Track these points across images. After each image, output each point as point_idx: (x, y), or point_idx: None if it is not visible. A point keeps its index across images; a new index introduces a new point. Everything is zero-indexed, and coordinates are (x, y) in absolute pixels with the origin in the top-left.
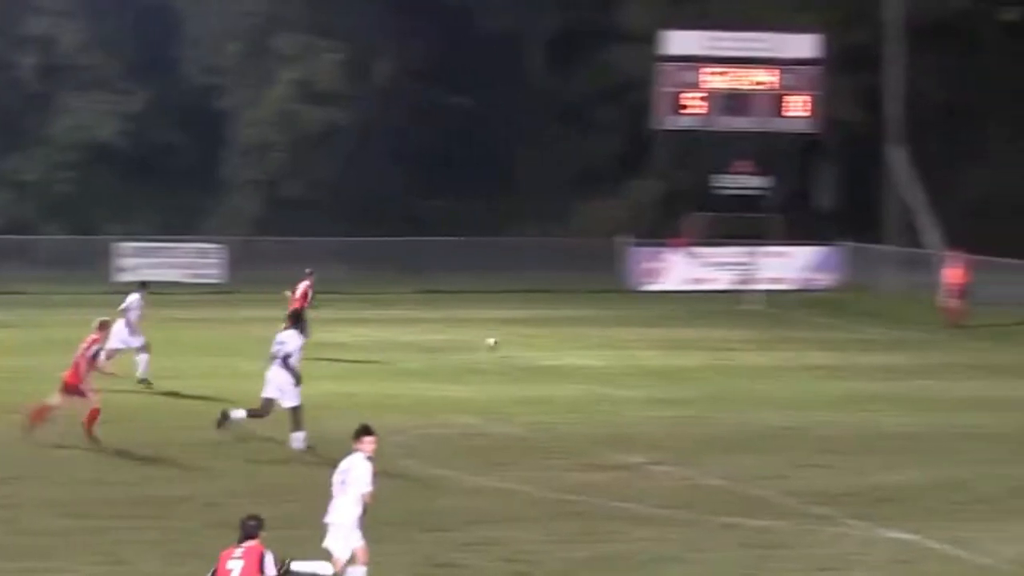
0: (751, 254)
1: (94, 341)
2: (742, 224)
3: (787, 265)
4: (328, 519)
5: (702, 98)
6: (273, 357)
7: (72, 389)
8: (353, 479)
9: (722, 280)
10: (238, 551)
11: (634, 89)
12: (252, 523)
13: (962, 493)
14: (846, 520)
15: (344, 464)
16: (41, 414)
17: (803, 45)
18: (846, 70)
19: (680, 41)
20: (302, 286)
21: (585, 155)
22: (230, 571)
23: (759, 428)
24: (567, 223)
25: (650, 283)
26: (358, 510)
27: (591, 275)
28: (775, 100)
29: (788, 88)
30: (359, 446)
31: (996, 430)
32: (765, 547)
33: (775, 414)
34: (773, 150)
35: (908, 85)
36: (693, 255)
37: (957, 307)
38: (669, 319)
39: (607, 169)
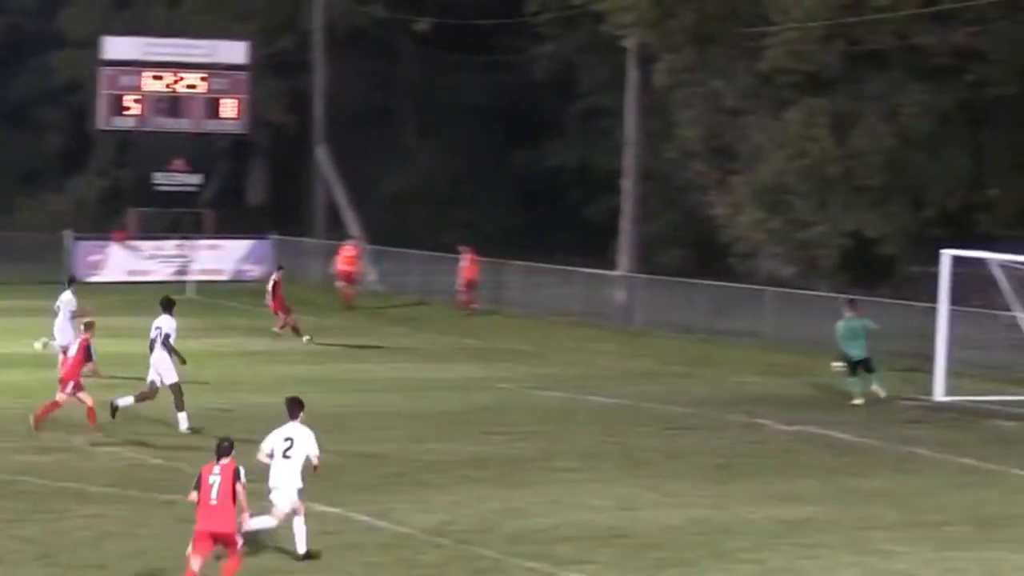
0: (187, 247)
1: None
2: (179, 219)
3: (220, 257)
4: (272, 483)
5: (140, 101)
6: (153, 341)
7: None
8: (300, 444)
9: (160, 272)
10: (216, 468)
11: (77, 91)
12: (226, 444)
13: (383, 468)
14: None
15: (283, 433)
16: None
17: (233, 52)
18: (275, 75)
19: (119, 46)
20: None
21: (31, 153)
22: (212, 485)
23: (199, 410)
24: (14, 217)
25: (93, 275)
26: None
27: (39, 267)
28: (207, 103)
29: (219, 92)
30: (294, 417)
31: (411, 410)
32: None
33: (214, 396)
34: (207, 149)
35: (331, 89)
36: (133, 248)
37: (349, 292)
38: (111, 309)
39: (52, 167)
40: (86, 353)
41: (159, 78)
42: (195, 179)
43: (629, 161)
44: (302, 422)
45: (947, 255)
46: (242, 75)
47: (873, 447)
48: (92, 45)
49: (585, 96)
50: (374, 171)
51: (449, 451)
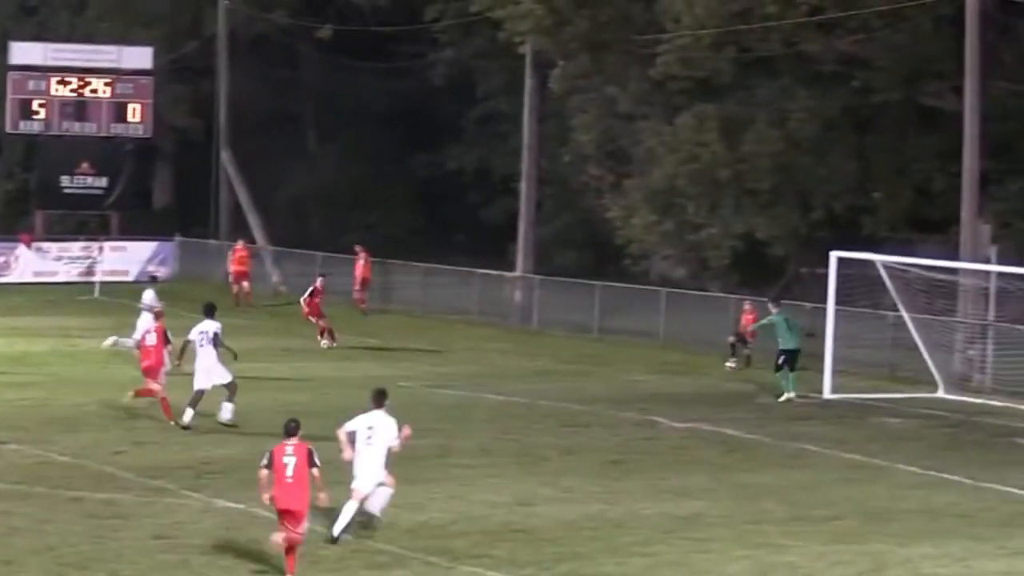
0: (93, 249)
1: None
2: (85, 221)
3: (126, 259)
4: (356, 470)
5: (47, 105)
6: (188, 343)
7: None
8: (381, 433)
9: (67, 273)
10: (289, 447)
11: None
12: (293, 424)
13: None
14: (181, 491)
15: (366, 421)
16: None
17: (138, 57)
18: (179, 80)
19: (26, 52)
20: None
21: None
22: (287, 464)
23: (99, 408)
24: None
25: (1, 276)
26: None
27: None
28: (113, 108)
29: (125, 97)
30: (378, 406)
31: (314, 408)
32: (109, 517)
33: (116, 395)
34: (113, 153)
35: (235, 94)
36: (40, 250)
37: (245, 291)
38: (17, 309)
39: None
40: (165, 338)
41: (66, 83)
42: (101, 182)
43: (526, 165)
44: (386, 411)
45: (834, 256)
46: (147, 80)
47: (763, 443)
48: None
49: (483, 101)
50: (277, 174)
51: None
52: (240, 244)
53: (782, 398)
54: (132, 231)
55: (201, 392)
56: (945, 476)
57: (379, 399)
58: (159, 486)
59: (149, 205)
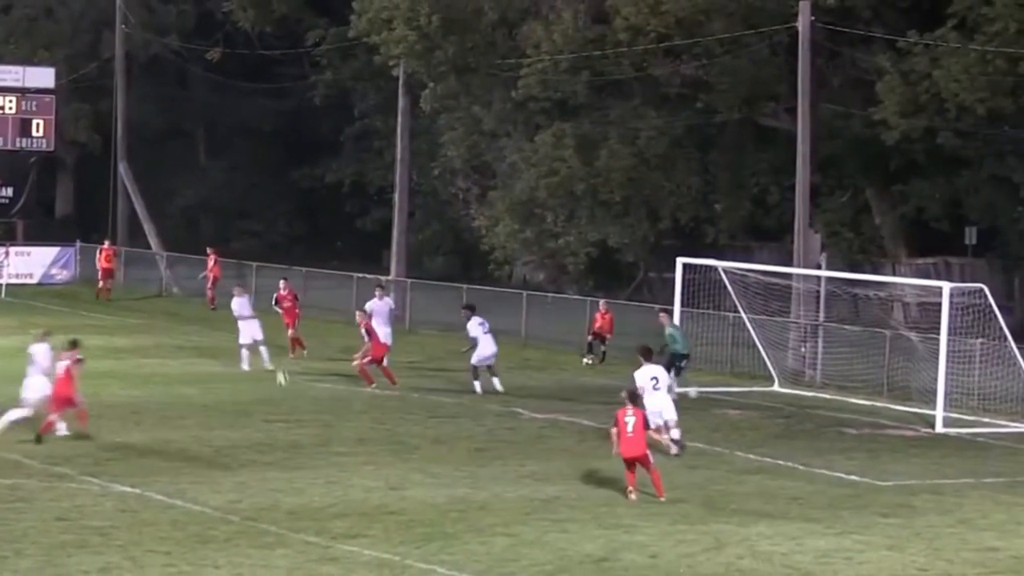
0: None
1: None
2: None
3: (29, 263)
4: (650, 408)
5: None
6: None
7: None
8: (663, 379)
9: None
10: (630, 410)
11: None
12: (636, 393)
13: (175, 452)
14: (81, 477)
15: (649, 372)
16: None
17: (41, 77)
18: (79, 98)
19: None
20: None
21: None
22: (627, 423)
23: (6, 401)
24: None
25: None
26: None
27: None
28: (18, 123)
29: (29, 113)
30: (645, 359)
31: (202, 401)
32: (12, 501)
33: (20, 389)
34: (18, 165)
35: (131, 111)
36: None
37: (107, 286)
38: None
39: None
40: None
41: None
42: (7, 192)
43: (399, 178)
44: (653, 362)
45: (680, 262)
46: (49, 98)
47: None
48: None
49: (359, 119)
50: (170, 185)
51: (236, 437)
52: (107, 243)
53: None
54: (36, 237)
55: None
56: (779, 462)
57: (647, 354)
58: (61, 472)
59: (52, 213)
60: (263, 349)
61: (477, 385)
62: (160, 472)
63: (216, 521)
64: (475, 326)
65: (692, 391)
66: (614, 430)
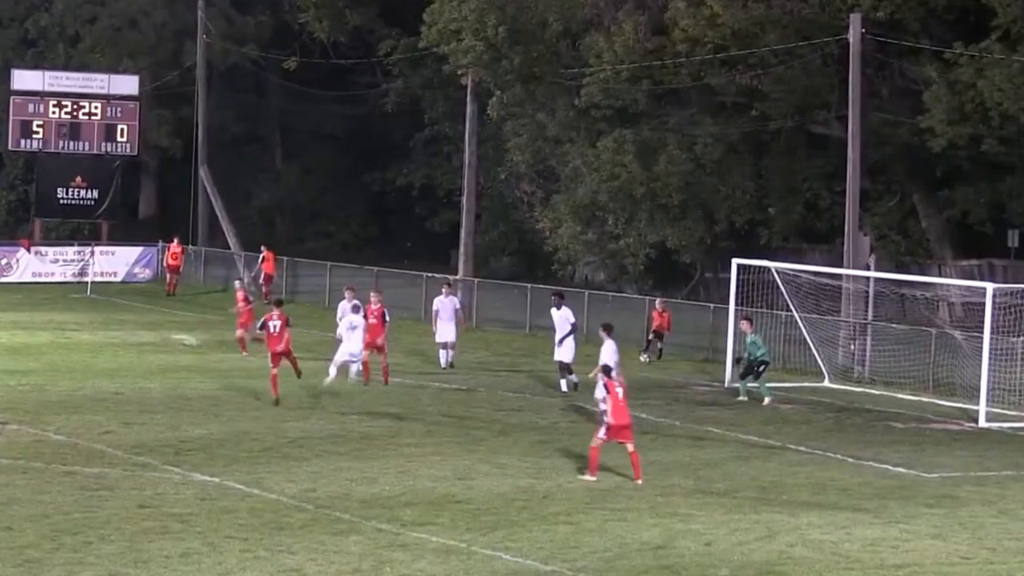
0: (86, 252)
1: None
2: (79, 228)
3: (114, 261)
4: None
5: (45, 126)
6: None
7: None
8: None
9: (62, 274)
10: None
11: None
12: (608, 366)
13: (252, 443)
14: (162, 466)
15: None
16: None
17: (126, 84)
18: (162, 105)
19: (27, 79)
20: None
21: None
22: (619, 392)
23: (92, 393)
24: None
25: (2, 277)
26: None
27: None
28: (104, 128)
29: (114, 119)
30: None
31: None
32: (97, 489)
33: (105, 381)
34: (103, 169)
35: (211, 117)
36: (39, 253)
37: (174, 282)
38: (18, 305)
39: None
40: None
41: (62, 106)
42: (93, 194)
43: (467, 181)
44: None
45: (735, 263)
46: (133, 105)
47: (672, 426)
48: (2, 77)
49: (429, 125)
50: (248, 188)
51: (311, 429)
52: (175, 243)
53: (765, 402)
54: (120, 238)
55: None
56: (829, 455)
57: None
58: (143, 461)
59: (135, 215)
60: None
61: (563, 384)
62: (238, 462)
63: (291, 509)
64: (562, 321)
65: (767, 400)
66: (606, 397)
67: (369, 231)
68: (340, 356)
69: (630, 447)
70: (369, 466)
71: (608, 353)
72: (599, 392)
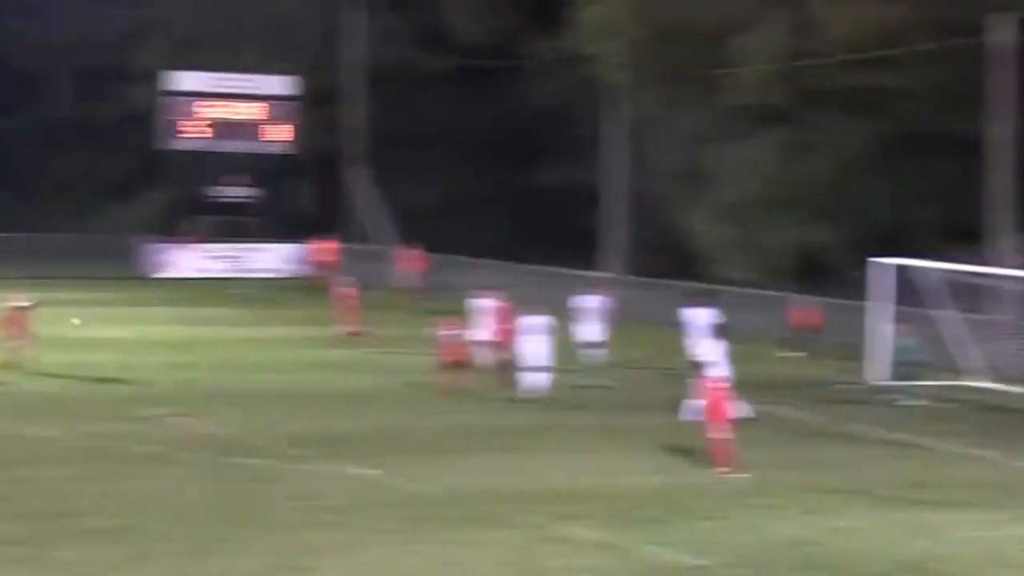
0: (243, 249)
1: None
2: (235, 225)
3: (271, 258)
4: None
5: (203, 125)
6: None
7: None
8: None
9: (220, 269)
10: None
11: (151, 117)
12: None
13: (407, 437)
14: (320, 459)
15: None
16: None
17: (284, 84)
18: (319, 104)
19: (187, 79)
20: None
21: (111, 169)
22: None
23: (249, 387)
24: (99, 223)
25: (162, 272)
26: None
27: (116, 266)
28: (261, 128)
29: (271, 119)
30: None
31: (390, 389)
32: (258, 481)
33: (261, 375)
34: (260, 167)
35: (367, 116)
36: (196, 250)
37: (321, 278)
38: (179, 301)
39: (129, 180)
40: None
41: (219, 106)
42: (250, 192)
43: (614, 181)
44: None
45: (882, 263)
46: (290, 104)
47: (816, 423)
48: (160, 78)
49: (576, 125)
50: (402, 187)
51: (464, 422)
52: (322, 240)
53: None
54: (276, 235)
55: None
56: (983, 453)
57: None
58: (300, 454)
59: (292, 213)
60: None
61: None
62: (393, 455)
63: (446, 502)
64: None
65: (912, 401)
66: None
67: (518, 229)
68: (528, 361)
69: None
70: (522, 460)
71: (708, 349)
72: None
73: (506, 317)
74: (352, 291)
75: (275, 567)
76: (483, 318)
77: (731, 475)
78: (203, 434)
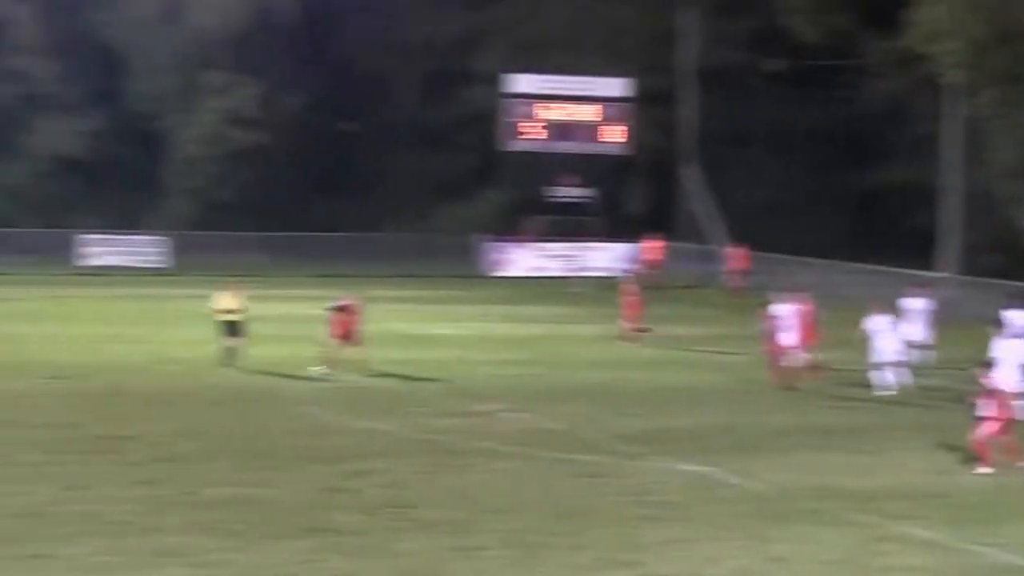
0: (577, 248)
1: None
2: (570, 225)
3: (604, 257)
4: None
5: (540, 127)
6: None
7: None
8: None
9: (555, 268)
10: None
11: (487, 118)
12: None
13: (739, 434)
14: (652, 456)
15: None
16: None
17: (617, 86)
18: (651, 106)
19: (523, 82)
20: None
21: (449, 169)
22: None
23: (585, 383)
24: (437, 223)
25: (499, 271)
26: None
27: (455, 264)
28: (595, 129)
29: (605, 120)
30: None
31: (763, 386)
32: (591, 476)
33: (597, 372)
34: (595, 167)
35: (698, 117)
36: (533, 249)
37: (654, 277)
38: (514, 299)
39: (466, 180)
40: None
41: (555, 108)
42: (584, 192)
43: (950, 180)
44: None
45: None
46: (624, 106)
47: None
48: (500, 81)
49: (911, 124)
50: (733, 187)
51: (796, 421)
52: (651, 239)
53: None
54: (612, 234)
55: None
56: None
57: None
58: (633, 450)
59: (625, 212)
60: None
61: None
62: (725, 452)
63: (777, 499)
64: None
65: None
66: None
67: (849, 228)
68: (880, 359)
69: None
70: (854, 459)
71: (1008, 350)
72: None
73: (809, 319)
74: (634, 289)
75: (605, 561)
76: (787, 320)
77: None
78: (535, 430)
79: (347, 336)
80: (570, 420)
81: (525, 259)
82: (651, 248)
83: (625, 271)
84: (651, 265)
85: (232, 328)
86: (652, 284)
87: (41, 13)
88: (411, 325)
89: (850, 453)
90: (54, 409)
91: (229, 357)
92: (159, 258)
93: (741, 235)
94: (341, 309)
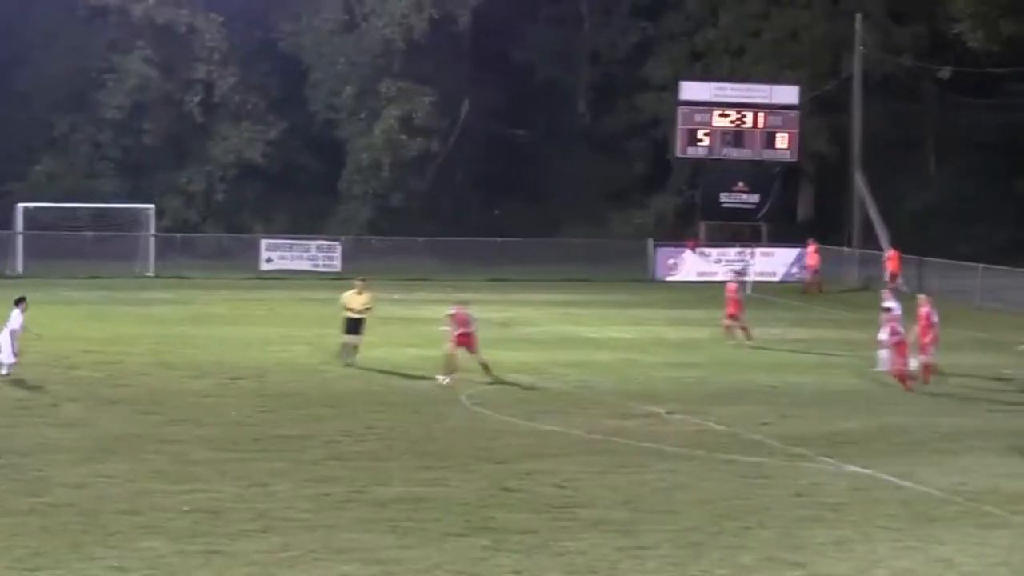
0: (746, 253)
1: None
2: (740, 230)
3: (772, 262)
4: None
5: (709, 134)
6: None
7: None
8: None
9: (723, 273)
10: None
11: (657, 126)
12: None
13: (903, 437)
14: (817, 457)
15: None
16: None
17: (786, 94)
18: (819, 113)
19: (693, 90)
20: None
21: (621, 176)
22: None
23: (752, 386)
24: (606, 228)
25: (669, 275)
26: None
27: (624, 269)
28: (764, 136)
29: (774, 127)
30: None
31: (927, 389)
32: (756, 477)
33: (764, 375)
34: (763, 174)
35: (867, 124)
36: (702, 254)
37: (814, 281)
38: (683, 303)
39: (637, 187)
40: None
41: (725, 115)
42: (753, 198)
43: None
44: None
45: None
46: (793, 113)
47: None
48: (671, 88)
49: None
50: (901, 192)
51: (961, 423)
52: (812, 243)
53: None
54: (779, 240)
55: None
56: None
57: None
58: (798, 452)
59: (793, 218)
60: None
61: None
62: (889, 454)
63: (941, 501)
64: None
65: None
66: None
67: (1018, 235)
68: None
69: None
70: (1015, 462)
71: None
72: None
73: (928, 320)
74: (732, 290)
75: (770, 561)
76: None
77: None
78: (703, 431)
79: (464, 344)
80: (735, 421)
81: (694, 264)
82: (812, 253)
83: (791, 275)
84: (812, 269)
85: (355, 325)
86: (813, 288)
87: (226, 23)
88: (581, 328)
89: (1012, 455)
90: (233, 408)
91: (348, 354)
92: (332, 262)
93: (904, 241)
94: (452, 317)
